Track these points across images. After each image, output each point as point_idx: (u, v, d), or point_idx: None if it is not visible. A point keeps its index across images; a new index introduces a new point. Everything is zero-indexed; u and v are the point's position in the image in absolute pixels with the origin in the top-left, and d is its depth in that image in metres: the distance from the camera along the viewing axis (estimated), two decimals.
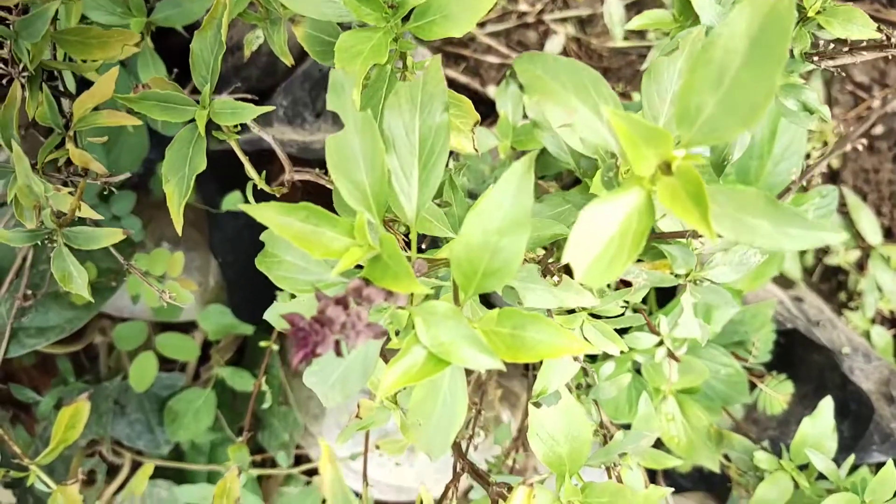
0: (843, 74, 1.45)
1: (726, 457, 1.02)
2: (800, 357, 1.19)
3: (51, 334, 0.88)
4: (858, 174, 1.49)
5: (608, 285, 0.55)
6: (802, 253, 1.50)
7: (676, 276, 0.46)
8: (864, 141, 0.43)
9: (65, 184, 0.50)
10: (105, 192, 0.94)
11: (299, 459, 1.29)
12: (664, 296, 0.93)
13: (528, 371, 0.99)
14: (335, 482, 0.34)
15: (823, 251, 1.52)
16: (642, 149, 0.34)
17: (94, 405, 1.08)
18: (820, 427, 0.81)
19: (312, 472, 1.19)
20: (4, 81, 0.46)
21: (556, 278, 0.48)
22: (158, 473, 1.18)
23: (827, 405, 0.82)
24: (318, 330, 0.35)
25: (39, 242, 0.49)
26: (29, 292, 0.82)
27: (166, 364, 1.21)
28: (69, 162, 0.50)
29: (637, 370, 0.91)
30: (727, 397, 0.98)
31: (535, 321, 0.40)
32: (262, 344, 0.96)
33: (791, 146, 0.84)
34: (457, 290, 0.44)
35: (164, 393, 1.14)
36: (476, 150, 0.62)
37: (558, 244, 0.55)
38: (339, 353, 0.36)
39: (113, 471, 1.24)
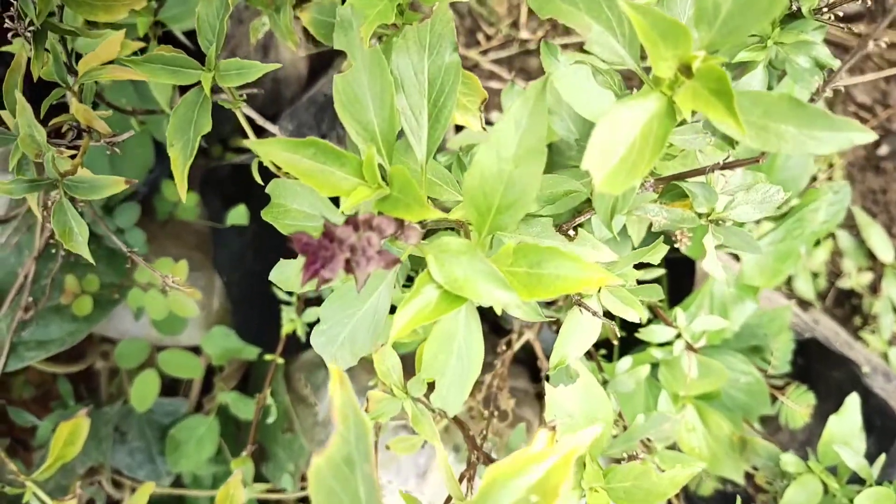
0: (845, 92, 1.45)
1: (750, 474, 0.98)
2: (818, 373, 1.16)
3: (51, 347, 0.86)
4: (866, 195, 1.48)
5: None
6: (815, 276, 1.48)
7: (698, 215, 0.45)
8: (886, 40, 0.42)
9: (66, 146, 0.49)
10: (109, 205, 0.93)
11: (306, 498, 1.24)
12: (677, 297, 0.90)
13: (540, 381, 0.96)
14: (346, 405, 0.32)
15: (836, 274, 1.50)
16: (661, 48, 0.33)
17: (94, 430, 1.05)
18: (847, 425, 0.77)
19: None
20: (10, 36, 0.45)
21: (571, 232, 0.47)
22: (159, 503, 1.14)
23: (853, 402, 0.79)
24: (328, 246, 0.33)
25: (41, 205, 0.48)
26: (31, 299, 0.80)
27: (168, 393, 1.18)
28: (71, 128, 0.49)
29: (655, 377, 0.88)
30: (748, 408, 0.95)
31: (553, 255, 0.39)
32: (267, 357, 0.93)
33: None
34: (469, 231, 0.42)
35: (165, 420, 1.11)
36: (484, 128, 0.62)
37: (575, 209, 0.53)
38: (348, 270, 0.34)
39: None
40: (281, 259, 0.47)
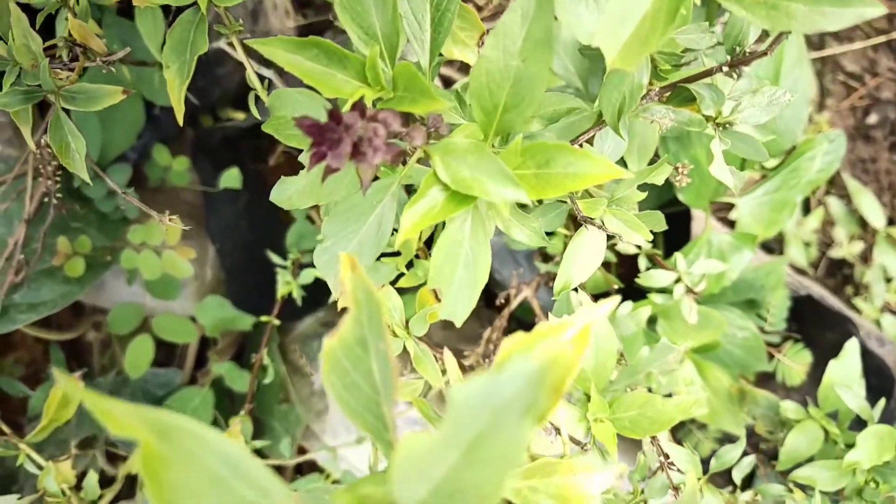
0: (834, 61, 1.46)
1: (750, 431, 0.98)
2: (814, 337, 1.16)
3: (43, 309, 0.85)
4: (856, 164, 1.49)
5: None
6: (807, 245, 1.49)
7: (705, 118, 0.44)
8: None
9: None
10: (100, 166, 0.92)
11: (300, 468, 1.23)
12: (674, 250, 0.90)
13: None
14: (358, 287, 0.31)
15: (827, 244, 1.50)
16: None
17: None
18: (847, 369, 0.77)
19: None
20: None
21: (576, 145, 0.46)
22: None
23: (853, 347, 0.79)
24: (334, 128, 0.33)
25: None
26: (21, 257, 0.79)
27: (162, 365, 1.17)
28: (67, 44, 0.48)
29: (653, 331, 0.88)
30: (745, 364, 0.95)
31: (563, 152, 0.38)
32: (263, 319, 0.92)
33: (795, 89, 0.83)
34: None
35: (159, 392, 1.10)
36: None
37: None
38: (355, 157, 0.33)
39: (105, 483, 1.18)
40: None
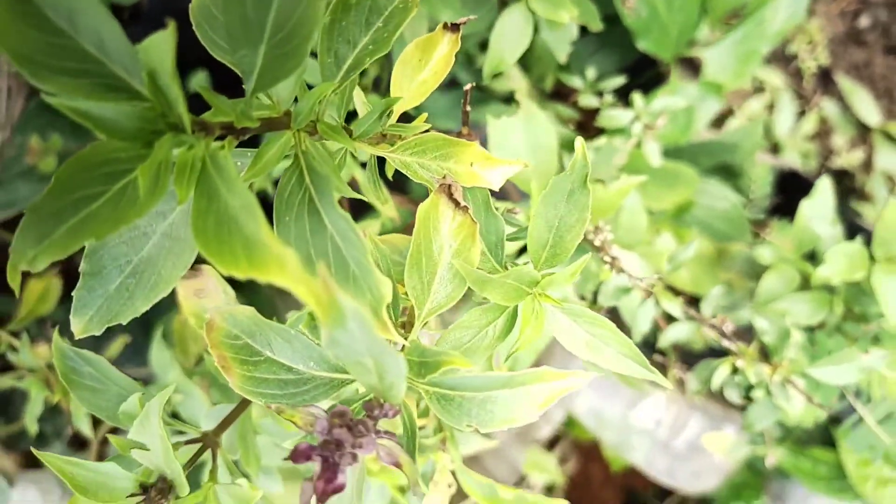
0: None
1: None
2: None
3: (21, 205, 0.86)
4: (850, 70, 1.46)
5: None
6: (805, 156, 1.46)
7: None
8: None
9: None
10: None
11: None
12: None
13: None
14: None
15: (825, 156, 1.47)
16: None
17: None
18: (820, 206, 0.76)
19: None
20: None
21: None
22: None
23: (825, 185, 0.77)
24: None
25: None
26: None
27: None
28: None
29: None
30: (727, 236, 0.93)
31: None
32: None
33: None
34: None
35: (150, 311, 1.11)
36: None
37: None
38: None
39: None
40: None
